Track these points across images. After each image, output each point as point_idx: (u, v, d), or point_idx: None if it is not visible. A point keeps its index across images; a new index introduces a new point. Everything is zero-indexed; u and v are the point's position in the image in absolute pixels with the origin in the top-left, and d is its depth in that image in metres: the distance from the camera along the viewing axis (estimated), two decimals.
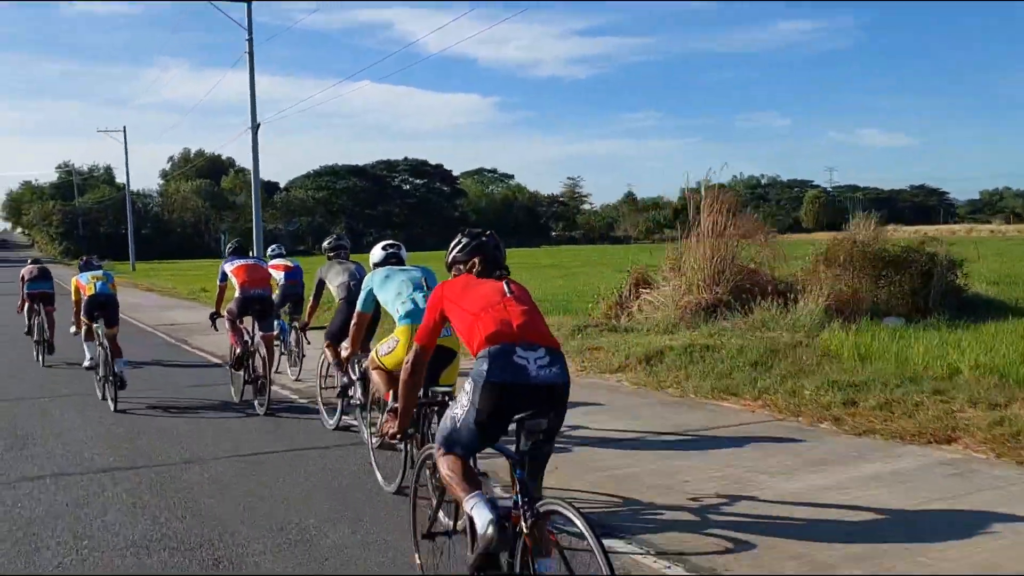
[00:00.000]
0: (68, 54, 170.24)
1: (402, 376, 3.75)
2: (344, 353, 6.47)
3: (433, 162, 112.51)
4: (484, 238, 3.86)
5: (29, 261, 13.63)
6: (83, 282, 9.85)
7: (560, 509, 2.96)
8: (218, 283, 9.28)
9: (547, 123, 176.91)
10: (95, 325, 9.49)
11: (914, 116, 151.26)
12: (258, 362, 8.51)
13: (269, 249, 11.19)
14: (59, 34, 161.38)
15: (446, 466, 3.36)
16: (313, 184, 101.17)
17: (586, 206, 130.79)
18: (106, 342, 8.96)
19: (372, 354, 5.56)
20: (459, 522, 3.55)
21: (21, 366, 12.31)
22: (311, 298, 8.26)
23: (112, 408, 8.59)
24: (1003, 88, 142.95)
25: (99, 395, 9.21)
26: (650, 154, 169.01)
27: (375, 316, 6.25)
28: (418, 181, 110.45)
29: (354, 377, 6.69)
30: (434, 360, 4.52)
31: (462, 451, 3.37)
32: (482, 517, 3.10)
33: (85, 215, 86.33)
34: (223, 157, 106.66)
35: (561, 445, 6.21)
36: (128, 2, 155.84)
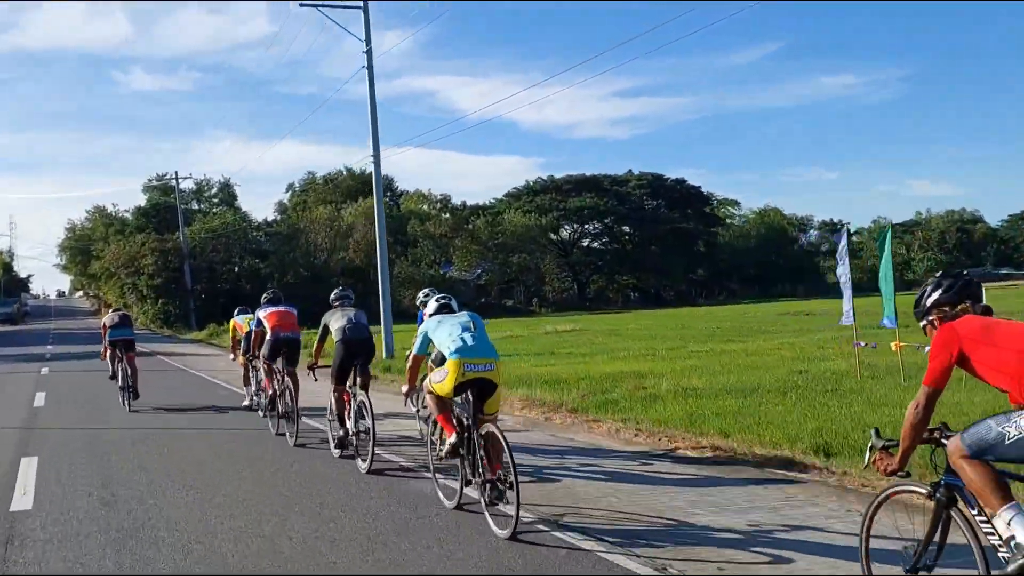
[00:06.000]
0: (121, 129, 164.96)
1: (914, 416, 3.70)
2: (405, 388, 7.13)
3: (670, 176, 76.84)
4: (967, 278, 3.91)
5: (111, 310, 15.04)
6: (239, 322, 12.71)
7: None
8: (254, 328, 10.94)
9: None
10: (250, 359, 11.98)
11: (966, 165, 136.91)
12: (288, 398, 9.80)
13: (421, 295, 9.06)
14: (114, 110, 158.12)
15: (976, 472, 3.52)
16: (531, 204, 66.04)
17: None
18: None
19: (426, 382, 6.52)
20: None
21: None
22: (317, 341, 9.13)
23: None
24: None
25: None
26: None
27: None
28: (653, 202, 74.82)
29: (412, 410, 8.76)
30: (480, 392, 6.10)
31: (991, 460, 3.52)
32: None
33: (196, 256, 51.75)
34: (367, 174, 72.20)
35: None
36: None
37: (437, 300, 7.04)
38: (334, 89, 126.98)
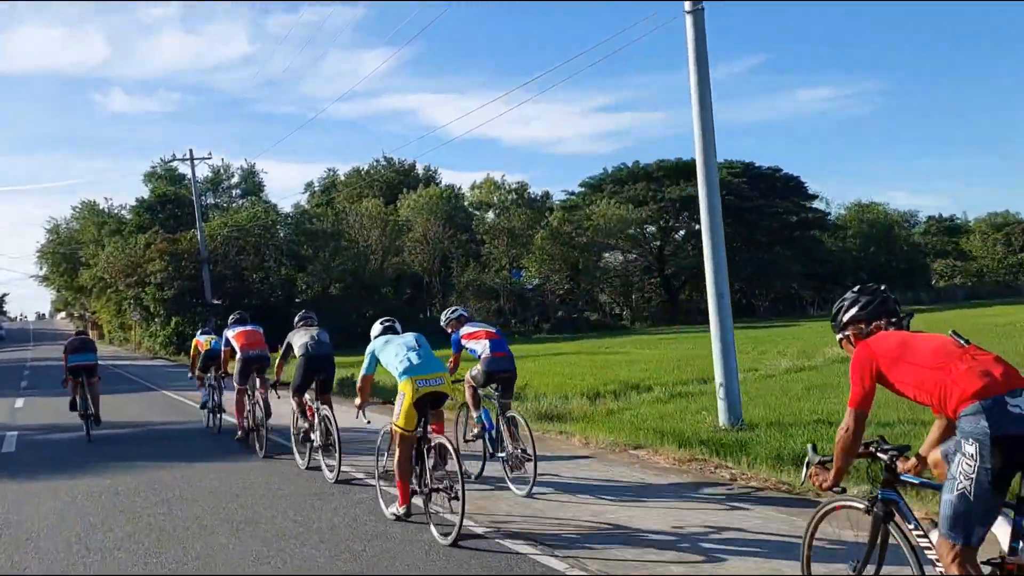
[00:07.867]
0: (101, 151, 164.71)
1: (844, 441, 3.62)
2: (358, 401, 7.16)
3: (762, 164, 65.12)
4: (884, 294, 3.82)
5: (75, 332, 14.06)
6: (201, 340, 12.94)
7: None
8: (223, 348, 11.28)
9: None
10: (207, 375, 12.70)
11: (946, 176, 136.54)
12: (258, 413, 10.28)
13: (447, 312, 8.60)
14: (93, 131, 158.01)
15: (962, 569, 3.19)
16: (621, 195, 53.84)
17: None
18: (215, 382, 12.53)
19: (392, 428, 6.43)
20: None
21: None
22: (279, 358, 9.40)
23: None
24: None
25: (204, 423, 13.01)
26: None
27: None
28: (751, 193, 62.83)
29: (364, 421, 7.30)
30: (433, 404, 6.27)
31: (983, 532, 3.22)
32: None
33: (218, 261, 39.46)
34: (407, 166, 60.39)
35: None
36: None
37: (382, 323, 7.14)
38: (317, 109, 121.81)
